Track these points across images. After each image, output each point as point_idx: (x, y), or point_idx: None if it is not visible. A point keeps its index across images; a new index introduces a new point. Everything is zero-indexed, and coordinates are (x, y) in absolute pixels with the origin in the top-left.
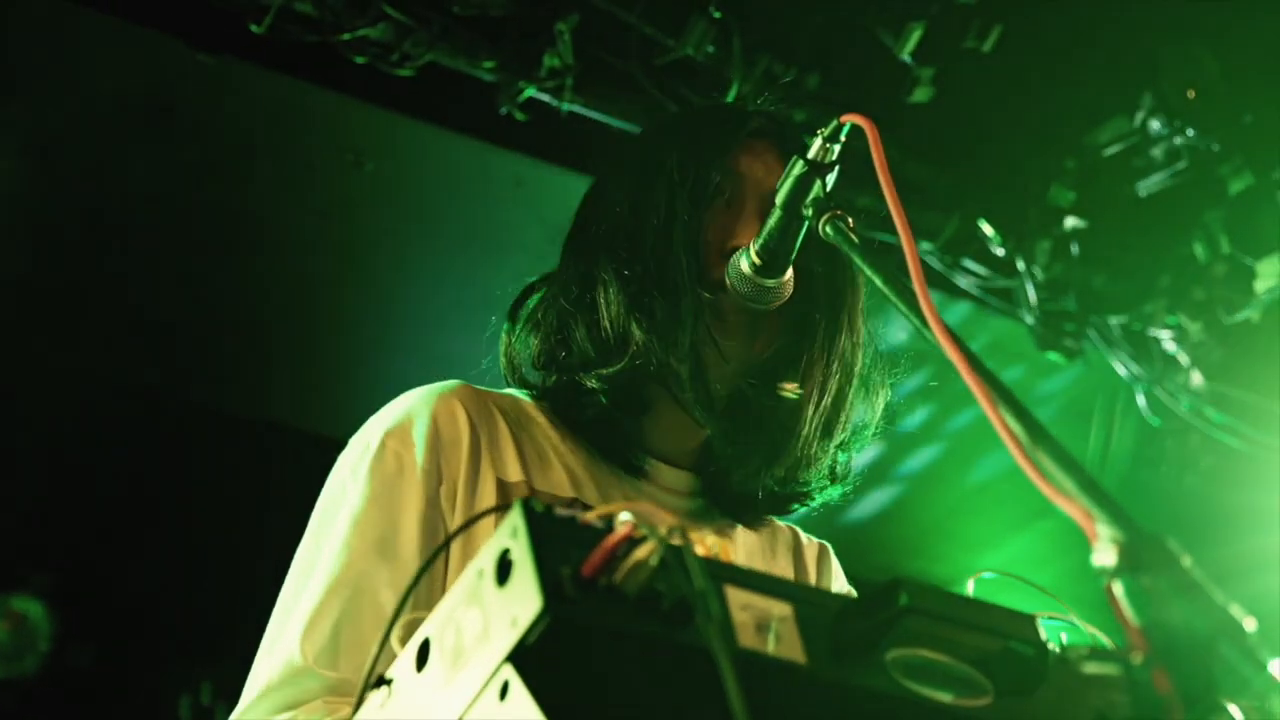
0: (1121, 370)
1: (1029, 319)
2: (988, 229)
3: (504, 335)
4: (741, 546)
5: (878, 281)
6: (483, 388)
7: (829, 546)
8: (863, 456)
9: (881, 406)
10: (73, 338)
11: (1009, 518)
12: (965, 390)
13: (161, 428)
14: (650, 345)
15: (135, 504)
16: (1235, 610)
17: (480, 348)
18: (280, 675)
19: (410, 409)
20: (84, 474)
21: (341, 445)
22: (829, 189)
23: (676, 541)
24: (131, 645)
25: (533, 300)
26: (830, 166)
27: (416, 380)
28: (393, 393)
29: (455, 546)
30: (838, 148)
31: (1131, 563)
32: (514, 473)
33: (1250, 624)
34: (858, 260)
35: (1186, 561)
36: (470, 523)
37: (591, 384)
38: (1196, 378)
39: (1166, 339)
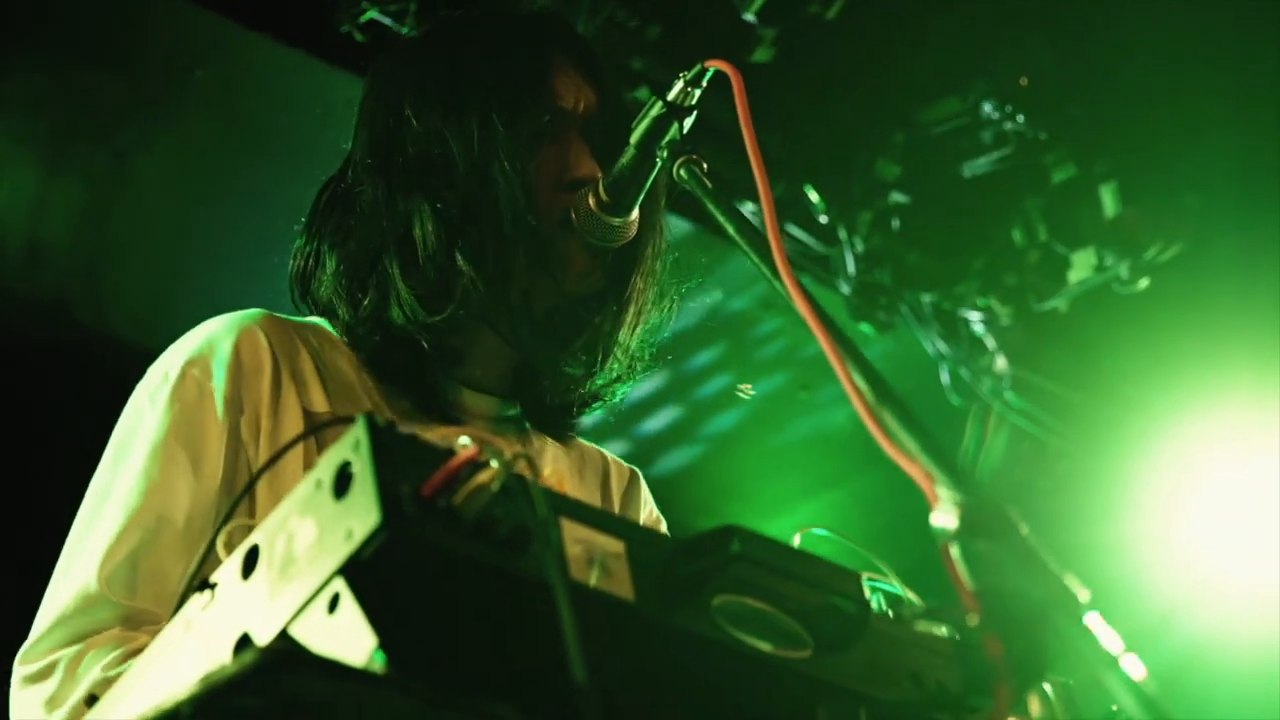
0: (929, 348)
1: (845, 289)
2: (813, 195)
3: (300, 243)
4: (550, 465)
5: (730, 230)
6: (285, 316)
7: (638, 472)
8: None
9: (669, 309)
10: None
11: (799, 485)
12: (768, 359)
13: None
14: (478, 290)
15: None
16: (1070, 581)
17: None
18: (73, 605)
19: (211, 337)
20: None
21: (145, 356)
22: (685, 132)
23: (520, 469)
24: None
25: (333, 213)
26: (690, 110)
27: (230, 295)
28: (205, 306)
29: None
30: (698, 92)
31: (970, 527)
32: (319, 403)
33: (1084, 596)
34: (711, 206)
35: (1025, 530)
36: (280, 453)
37: (410, 334)
38: (1001, 362)
39: (976, 321)
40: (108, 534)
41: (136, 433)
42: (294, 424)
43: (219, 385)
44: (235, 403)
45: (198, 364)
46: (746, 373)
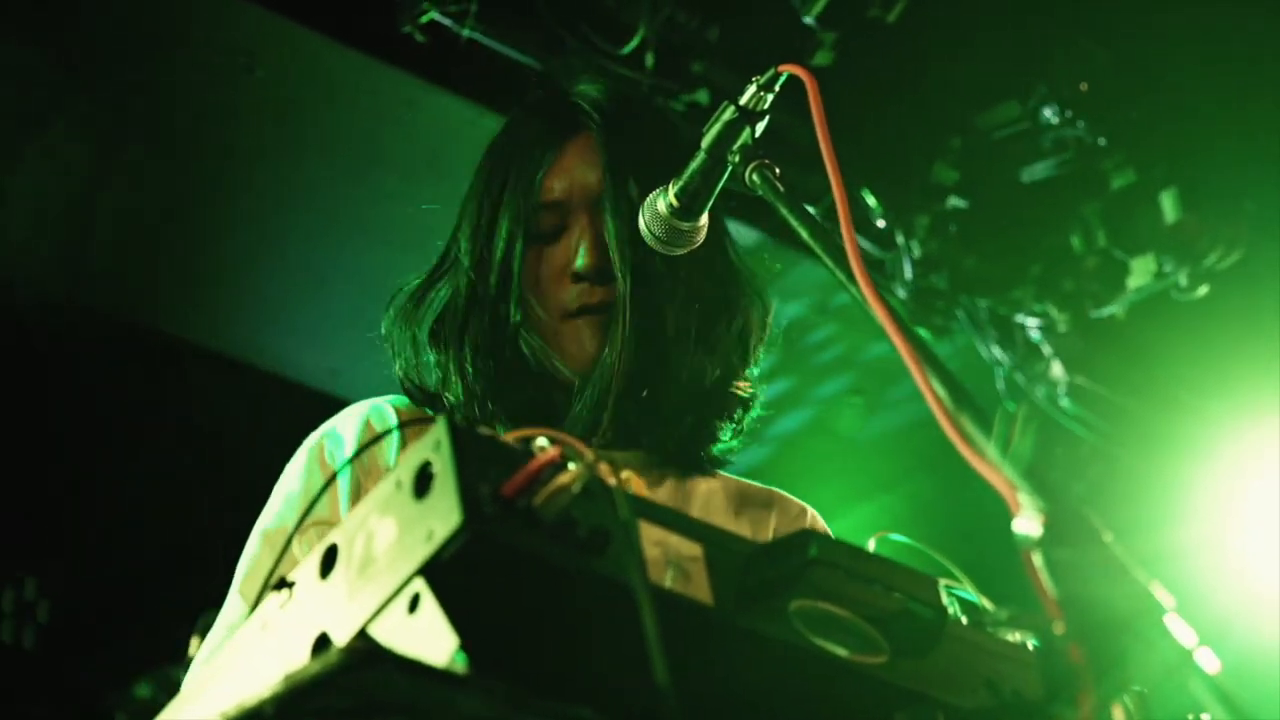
0: (985, 353)
1: (901, 292)
2: (870, 200)
3: (399, 355)
4: (701, 501)
5: (803, 234)
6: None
7: (810, 510)
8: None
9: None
10: None
11: (853, 489)
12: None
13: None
14: (486, 388)
15: None
16: (1156, 589)
17: (354, 264)
18: (221, 630)
19: (350, 411)
20: None
21: (208, 354)
22: (758, 137)
23: (600, 472)
24: None
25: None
26: (761, 115)
27: (292, 290)
28: (268, 302)
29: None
30: (771, 97)
31: (1054, 534)
32: None
33: (1169, 602)
34: (784, 211)
35: (1108, 537)
36: (362, 449)
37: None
38: (1057, 368)
39: (1032, 326)
40: (247, 561)
41: (280, 491)
42: None
43: (347, 449)
44: (356, 466)
45: (330, 436)
46: (803, 377)
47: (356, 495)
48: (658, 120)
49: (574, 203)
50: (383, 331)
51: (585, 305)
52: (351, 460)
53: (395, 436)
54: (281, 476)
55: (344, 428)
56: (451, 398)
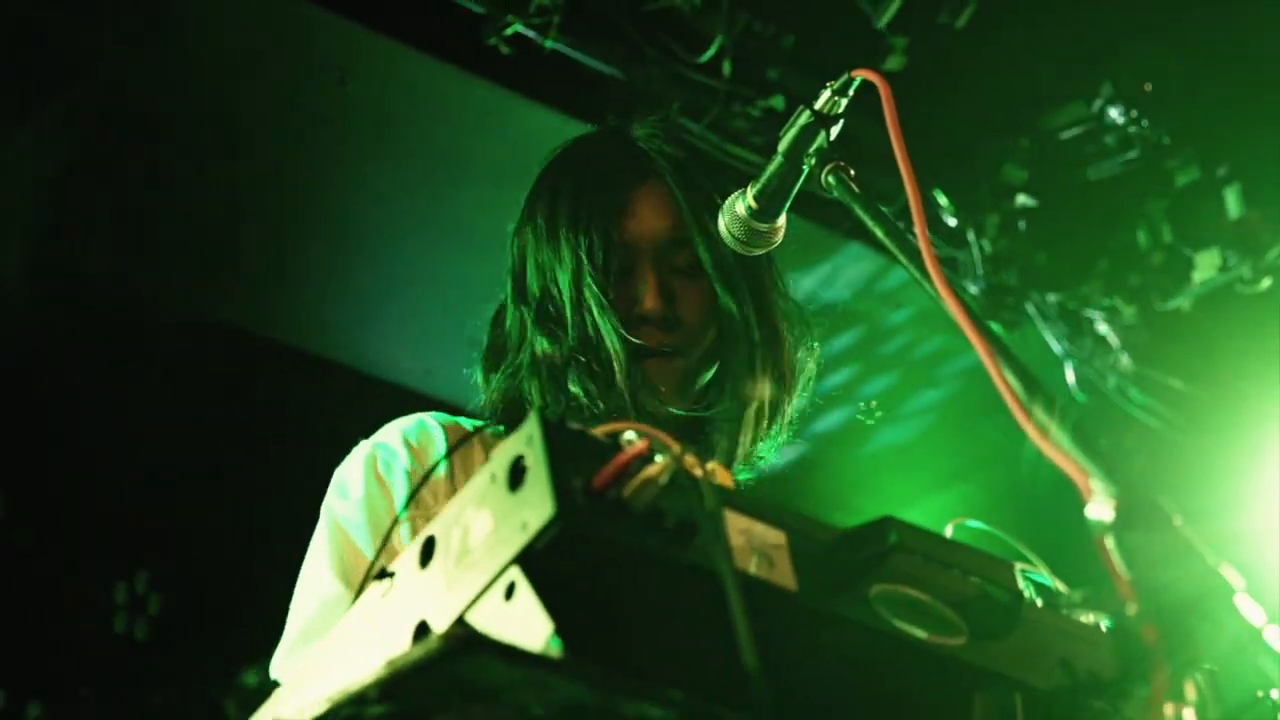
0: (1055, 346)
1: (973, 289)
2: (941, 200)
3: (482, 379)
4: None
5: (879, 233)
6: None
7: None
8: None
9: (814, 351)
10: (31, 239)
11: (927, 478)
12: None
13: (125, 335)
14: (598, 407)
15: (90, 404)
16: (1226, 570)
17: (444, 267)
18: (316, 612)
19: (396, 426)
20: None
21: (293, 354)
22: (833, 140)
23: (687, 463)
24: (71, 532)
25: (489, 336)
26: (836, 119)
27: (386, 293)
28: (359, 303)
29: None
30: (845, 101)
31: (1125, 518)
32: None
33: (1240, 584)
34: (859, 211)
35: (1178, 521)
36: (437, 465)
37: None
38: (1125, 360)
39: (1100, 320)
40: (325, 558)
41: (344, 490)
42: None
43: (402, 460)
44: (413, 471)
45: (384, 448)
46: (868, 370)
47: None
48: (715, 167)
49: (642, 246)
50: (494, 348)
51: (647, 347)
52: (446, 455)
53: (443, 449)
54: (342, 481)
55: (392, 441)
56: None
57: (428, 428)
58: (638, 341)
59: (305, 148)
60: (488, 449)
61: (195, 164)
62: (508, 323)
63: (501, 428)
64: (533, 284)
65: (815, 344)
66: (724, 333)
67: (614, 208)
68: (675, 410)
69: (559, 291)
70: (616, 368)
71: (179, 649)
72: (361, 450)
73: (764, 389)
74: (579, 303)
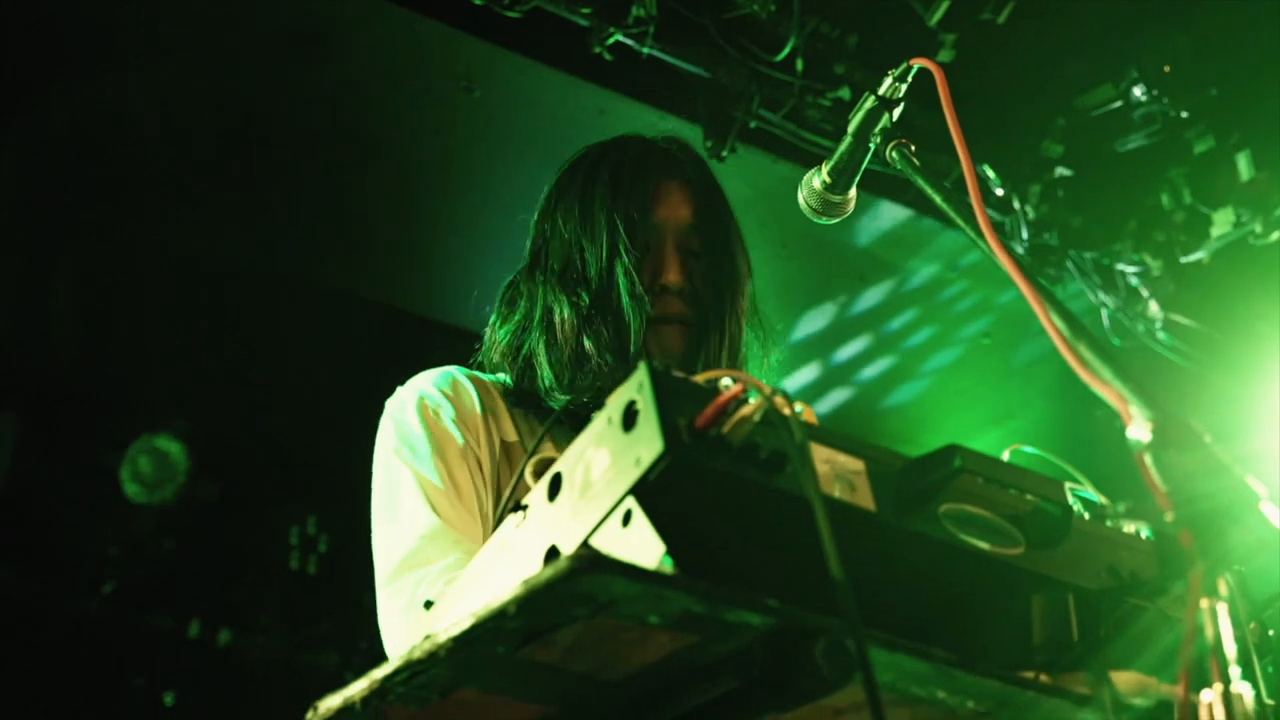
0: (1091, 297)
1: (1019, 249)
2: (990, 173)
3: (490, 325)
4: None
5: (937, 199)
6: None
7: None
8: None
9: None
10: (216, 232)
11: (984, 417)
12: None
13: (290, 309)
14: (607, 364)
15: (263, 370)
16: (1251, 481)
17: None
18: (416, 543)
19: (434, 379)
20: (224, 345)
21: (433, 326)
22: (895, 120)
23: (778, 403)
24: (251, 483)
25: (505, 303)
26: (897, 102)
27: (506, 275)
28: (487, 284)
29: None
30: (904, 86)
31: (1161, 439)
32: (510, 434)
33: (1264, 492)
34: (921, 182)
35: (1208, 439)
36: (542, 436)
37: (558, 398)
38: (1154, 307)
39: (1131, 273)
40: (417, 500)
41: (409, 440)
42: (496, 449)
43: (447, 410)
44: (460, 421)
45: (429, 397)
46: (942, 326)
47: (465, 444)
48: (712, 174)
49: (668, 229)
50: (493, 319)
51: (666, 314)
52: (537, 447)
53: (476, 398)
54: (405, 432)
55: (433, 391)
56: (549, 376)
57: (455, 377)
58: (652, 311)
59: (440, 147)
60: (500, 396)
61: (343, 168)
62: (521, 290)
63: (504, 377)
64: (555, 257)
65: (771, 350)
66: (720, 319)
67: (647, 194)
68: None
69: (587, 262)
70: (633, 331)
71: (346, 582)
72: (410, 399)
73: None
74: (609, 273)
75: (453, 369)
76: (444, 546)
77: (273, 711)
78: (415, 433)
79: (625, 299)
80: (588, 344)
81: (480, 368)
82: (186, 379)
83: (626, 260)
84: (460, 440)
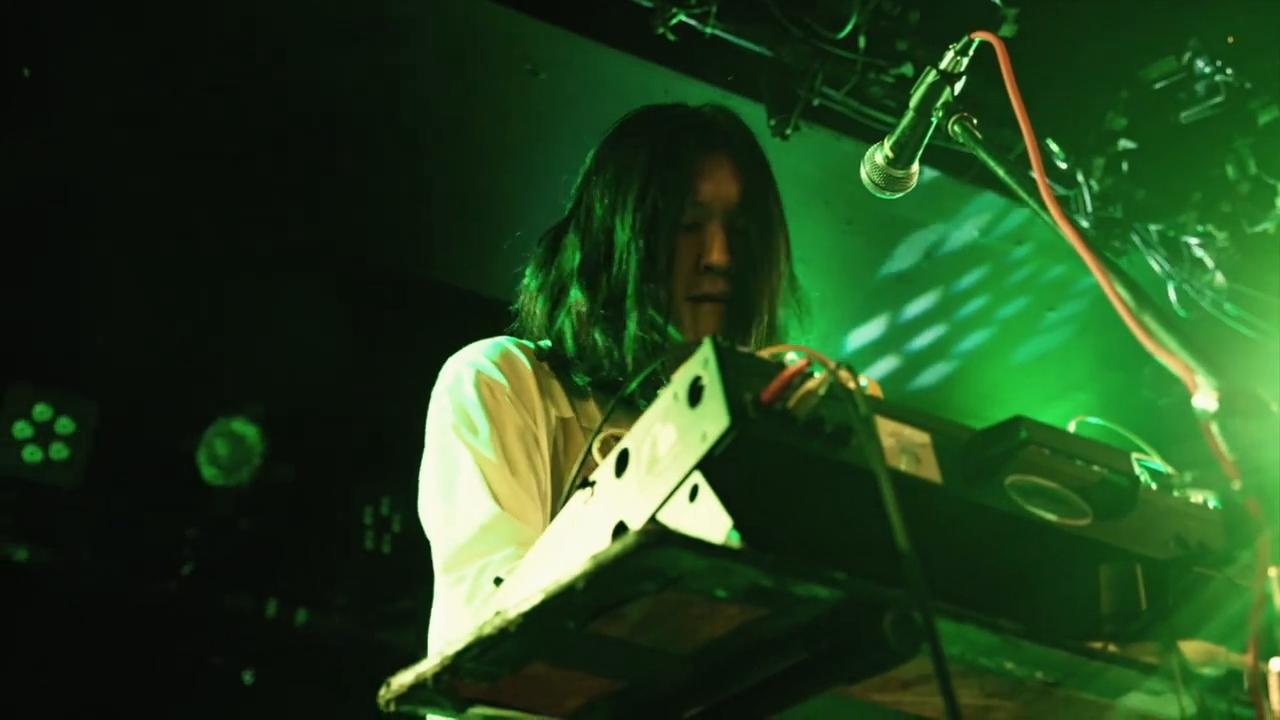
0: (1157, 269)
1: (1084, 223)
2: (1053, 146)
3: (524, 288)
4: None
5: (1000, 173)
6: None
7: None
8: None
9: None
10: (283, 219)
11: (1051, 389)
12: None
13: (363, 292)
14: (632, 341)
15: (337, 353)
16: None
17: None
18: (476, 532)
19: (487, 352)
20: (296, 330)
21: (499, 304)
22: (956, 94)
23: (842, 377)
24: (325, 465)
25: (541, 267)
26: (959, 76)
27: None
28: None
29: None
30: (966, 60)
31: (1228, 408)
32: (566, 410)
33: None
34: (983, 155)
35: (1276, 408)
36: (613, 408)
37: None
38: (1219, 278)
39: (1195, 245)
40: (476, 483)
41: (467, 418)
42: (553, 422)
43: (504, 385)
44: (517, 398)
45: (485, 371)
46: (1000, 297)
47: (523, 420)
48: (759, 146)
49: (715, 207)
50: (527, 281)
51: (710, 294)
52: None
53: (531, 372)
54: (463, 411)
55: (487, 366)
56: (572, 349)
57: (509, 349)
58: (690, 288)
59: (506, 131)
60: (551, 368)
61: (410, 153)
62: (552, 255)
63: (549, 343)
64: (588, 228)
65: (806, 327)
66: (760, 299)
67: (690, 169)
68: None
69: (615, 240)
70: (635, 315)
71: (420, 561)
72: (467, 374)
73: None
74: (643, 248)
75: (505, 340)
76: (504, 536)
77: (351, 688)
78: (474, 410)
79: (636, 282)
80: (596, 334)
81: (521, 334)
82: (261, 364)
83: (647, 237)
84: (520, 419)
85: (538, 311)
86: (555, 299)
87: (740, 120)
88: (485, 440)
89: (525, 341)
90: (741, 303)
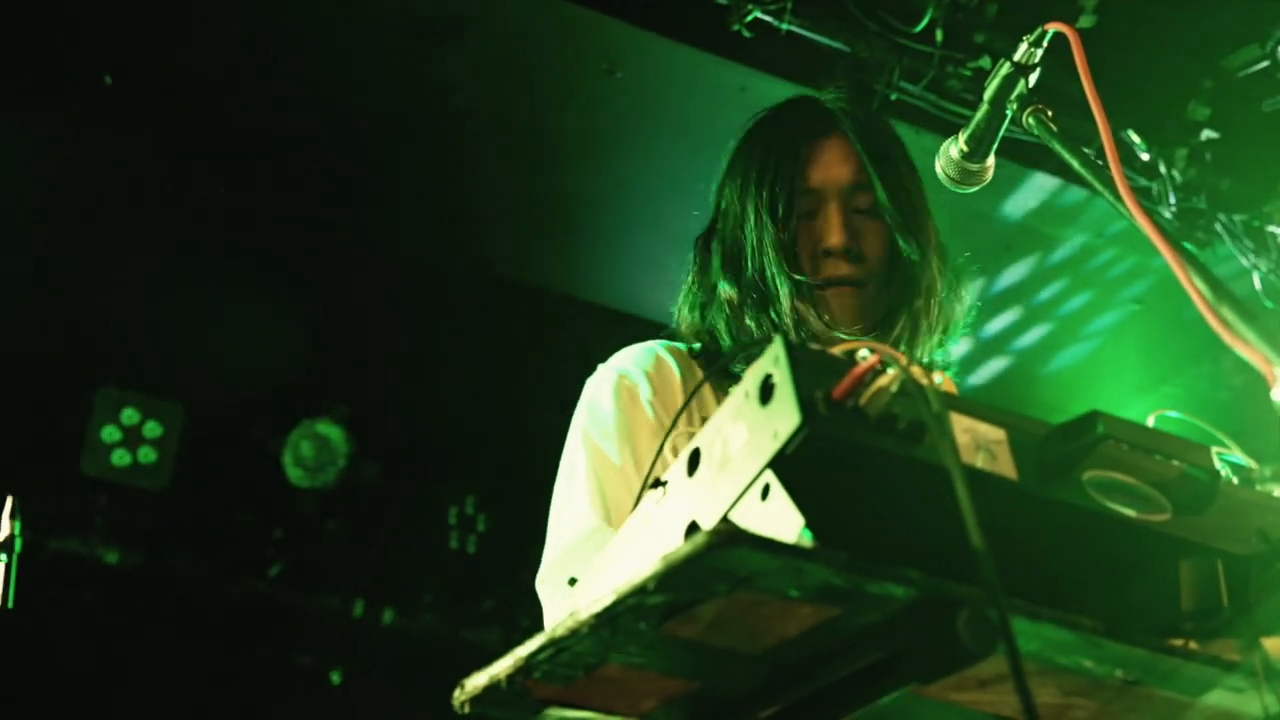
0: (1242, 260)
1: (1167, 214)
2: (1135, 137)
3: (681, 293)
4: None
5: (1075, 164)
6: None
7: None
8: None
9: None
10: (364, 221)
11: (1134, 382)
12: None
13: (445, 293)
14: (765, 331)
15: (421, 354)
16: None
17: (698, 229)
18: (578, 538)
19: (634, 358)
20: (379, 331)
21: (584, 306)
22: (1032, 87)
23: (915, 373)
24: (411, 465)
25: (692, 271)
26: (1033, 68)
27: (656, 250)
28: (636, 261)
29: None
30: (1040, 51)
31: None
32: (712, 410)
33: None
34: (1059, 148)
35: None
36: (692, 395)
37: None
38: None
39: None
40: (584, 492)
41: (600, 419)
42: (694, 422)
43: (644, 390)
44: (658, 401)
45: (628, 376)
46: (1090, 294)
47: (659, 425)
48: (884, 124)
49: (828, 191)
50: (687, 285)
51: (833, 278)
52: (687, 403)
53: (678, 376)
54: (597, 411)
55: (633, 370)
56: (728, 342)
57: (659, 354)
58: (813, 274)
59: (583, 129)
60: (702, 370)
61: (489, 153)
62: (699, 260)
63: (699, 345)
64: (724, 231)
65: (964, 293)
66: (902, 272)
67: (798, 159)
68: (842, 335)
69: (745, 236)
70: (782, 302)
71: (505, 560)
72: (609, 378)
73: (927, 327)
74: (758, 246)
75: (656, 345)
76: (596, 551)
77: (438, 687)
78: (606, 413)
79: (773, 273)
80: (749, 322)
81: (677, 338)
82: (346, 365)
83: (772, 231)
84: (657, 423)
85: (690, 312)
86: (707, 297)
87: (858, 100)
88: (610, 440)
89: (678, 344)
90: (875, 283)
